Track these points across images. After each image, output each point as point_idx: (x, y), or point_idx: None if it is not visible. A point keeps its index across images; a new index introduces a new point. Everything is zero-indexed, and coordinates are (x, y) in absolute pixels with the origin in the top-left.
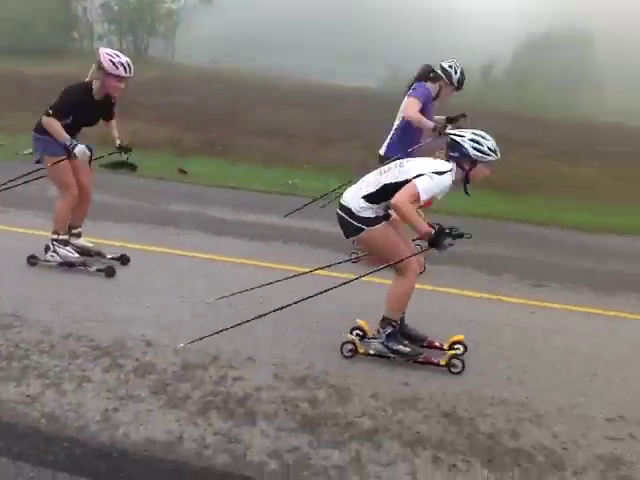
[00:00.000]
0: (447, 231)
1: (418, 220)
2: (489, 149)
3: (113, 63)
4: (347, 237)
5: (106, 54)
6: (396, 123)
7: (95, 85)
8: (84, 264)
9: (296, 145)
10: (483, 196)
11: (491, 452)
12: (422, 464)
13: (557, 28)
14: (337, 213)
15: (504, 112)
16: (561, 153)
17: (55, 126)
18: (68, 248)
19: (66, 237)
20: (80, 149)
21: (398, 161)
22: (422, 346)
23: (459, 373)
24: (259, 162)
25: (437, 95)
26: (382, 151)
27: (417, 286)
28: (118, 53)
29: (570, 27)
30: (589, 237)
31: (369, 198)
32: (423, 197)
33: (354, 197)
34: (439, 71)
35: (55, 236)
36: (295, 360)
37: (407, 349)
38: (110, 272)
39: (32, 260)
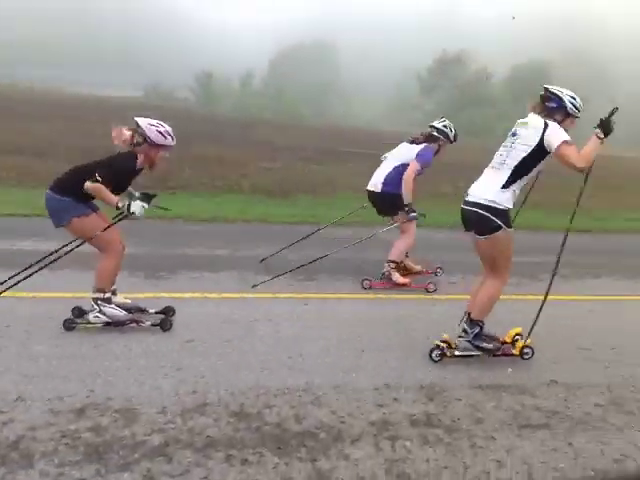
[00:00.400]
0: None
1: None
2: (580, 106)
3: (161, 133)
4: (481, 234)
5: (150, 125)
6: (392, 164)
7: (140, 157)
8: (135, 321)
9: (47, 162)
10: (254, 201)
11: (279, 440)
12: (215, 465)
13: (307, 42)
14: (466, 210)
15: (264, 120)
16: (319, 155)
17: (105, 192)
18: (113, 306)
19: (110, 295)
20: (137, 206)
21: (503, 146)
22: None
23: (529, 359)
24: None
25: (437, 152)
26: (374, 187)
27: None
28: (160, 122)
29: (319, 41)
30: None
31: (507, 184)
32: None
33: (488, 191)
34: (436, 133)
35: (100, 295)
36: (71, 391)
37: (490, 345)
38: (165, 324)
39: (68, 324)
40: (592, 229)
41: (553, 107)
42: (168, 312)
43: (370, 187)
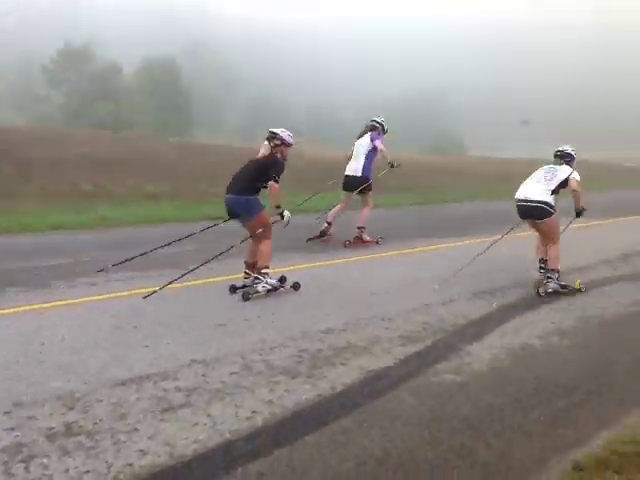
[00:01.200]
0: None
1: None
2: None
3: (290, 136)
4: (540, 219)
5: (282, 132)
6: (362, 154)
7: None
8: (282, 287)
9: None
10: None
11: None
12: None
13: None
14: (526, 203)
15: None
16: None
17: (279, 191)
18: (271, 277)
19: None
20: (288, 213)
21: (546, 172)
22: None
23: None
24: None
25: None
26: (355, 173)
27: None
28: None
29: None
30: None
31: (552, 194)
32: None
33: (543, 194)
34: (377, 124)
35: (266, 270)
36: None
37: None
38: (297, 286)
39: (245, 297)
40: None
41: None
42: (297, 286)
43: (351, 172)
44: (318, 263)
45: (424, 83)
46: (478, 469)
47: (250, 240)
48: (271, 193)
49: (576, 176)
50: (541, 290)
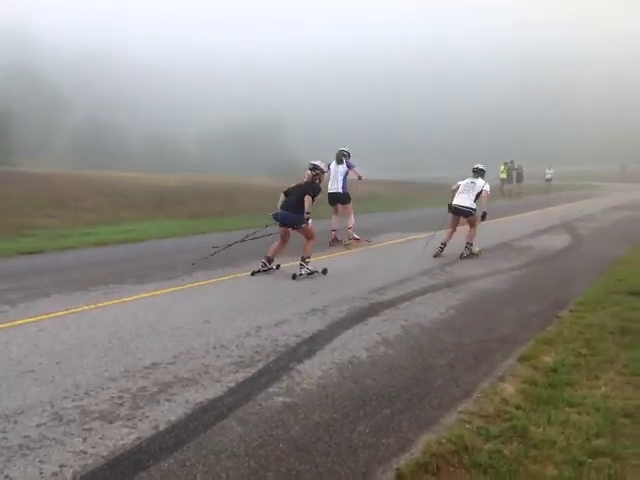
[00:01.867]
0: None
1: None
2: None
3: (325, 166)
4: (466, 216)
5: (320, 163)
6: (340, 175)
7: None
8: (316, 272)
9: None
10: None
11: None
12: None
13: None
14: (460, 207)
15: None
16: None
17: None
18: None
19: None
20: (311, 219)
21: (467, 185)
22: None
23: None
24: None
25: None
26: (337, 190)
27: None
28: (321, 162)
29: None
30: None
31: (475, 200)
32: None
33: (469, 202)
34: (345, 153)
35: (308, 259)
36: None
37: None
38: (325, 271)
39: (294, 276)
40: (45, 249)
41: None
42: (325, 271)
43: (333, 190)
44: (154, 292)
45: (266, 110)
46: None
47: (277, 242)
48: (306, 204)
49: (487, 188)
50: (464, 255)
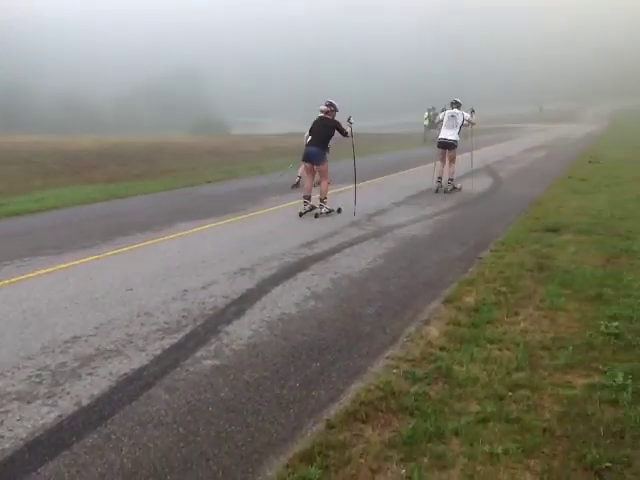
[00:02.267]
0: None
1: None
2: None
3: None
4: (450, 149)
5: (334, 102)
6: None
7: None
8: (332, 210)
9: None
10: None
11: None
12: None
13: None
14: (445, 141)
15: None
16: None
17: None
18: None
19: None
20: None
21: (449, 119)
22: None
23: None
24: None
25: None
26: (448, 137)
27: None
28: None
29: None
30: None
31: (458, 132)
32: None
33: (453, 135)
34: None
35: (325, 199)
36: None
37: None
38: (340, 210)
39: (316, 215)
40: None
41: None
42: (340, 210)
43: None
44: (72, 263)
45: (183, 64)
46: (236, 454)
47: (307, 180)
48: (347, 129)
49: (467, 116)
50: (449, 189)
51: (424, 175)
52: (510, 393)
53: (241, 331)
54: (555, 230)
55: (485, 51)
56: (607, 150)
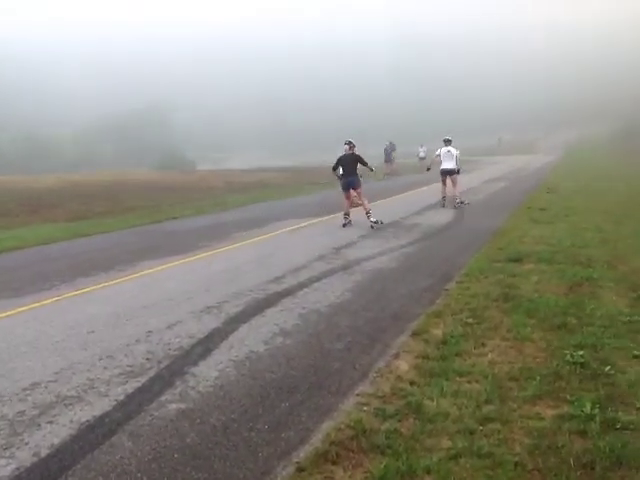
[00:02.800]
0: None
1: None
2: None
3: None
4: (451, 175)
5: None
6: (452, 157)
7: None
8: (379, 221)
9: None
10: None
11: None
12: None
13: None
14: (447, 169)
15: None
16: None
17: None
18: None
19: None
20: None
21: (446, 154)
22: None
23: None
24: None
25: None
26: (450, 167)
27: None
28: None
29: None
30: None
31: (456, 163)
32: None
33: (453, 165)
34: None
35: (370, 211)
36: None
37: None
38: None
39: (372, 226)
40: None
41: None
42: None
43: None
44: (32, 305)
45: (149, 99)
46: None
47: (348, 200)
48: (368, 162)
49: (458, 153)
50: (456, 204)
51: (390, 206)
52: (481, 427)
53: (208, 372)
54: (518, 260)
55: (443, 85)
56: (563, 180)
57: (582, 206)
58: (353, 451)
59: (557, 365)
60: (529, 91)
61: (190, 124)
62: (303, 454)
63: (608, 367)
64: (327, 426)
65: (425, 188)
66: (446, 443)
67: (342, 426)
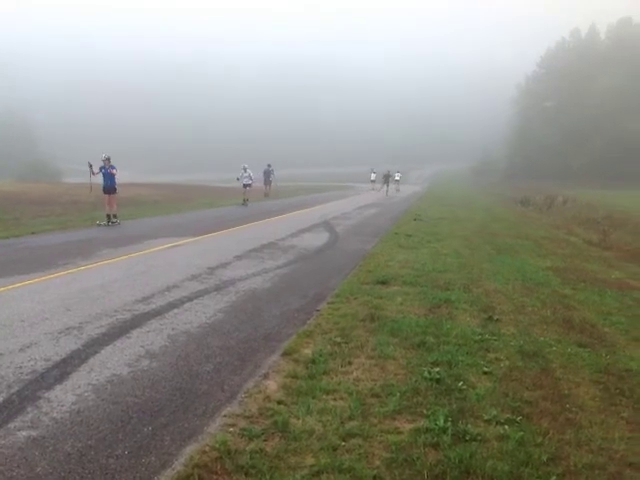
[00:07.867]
0: None
1: None
2: None
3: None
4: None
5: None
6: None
7: None
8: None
9: None
10: None
11: None
12: None
13: None
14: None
15: None
16: None
17: None
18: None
19: None
20: None
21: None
22: None
23: None
24: None
25: None
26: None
27: None
28: None
29: None
30: None
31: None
32: None
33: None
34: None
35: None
36: None
37: None
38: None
39: None
40: None
41: None
42: None
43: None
44: None
45: (8, 107)
46: None
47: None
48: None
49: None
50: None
51: (269, 228)
52: (343, 443)
53: (63, 397)
54: (384, 282)
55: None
56: (429, 208)
57: (444, 232)
58: (217, 473)
59: (415, 381)
60: (400, 128)
61: (60, 135)
62: (164, 479)
63: (461, 383)
64: (191, 449)
65: (306, 210)
66: (310, 460)
67: (207, 448)
